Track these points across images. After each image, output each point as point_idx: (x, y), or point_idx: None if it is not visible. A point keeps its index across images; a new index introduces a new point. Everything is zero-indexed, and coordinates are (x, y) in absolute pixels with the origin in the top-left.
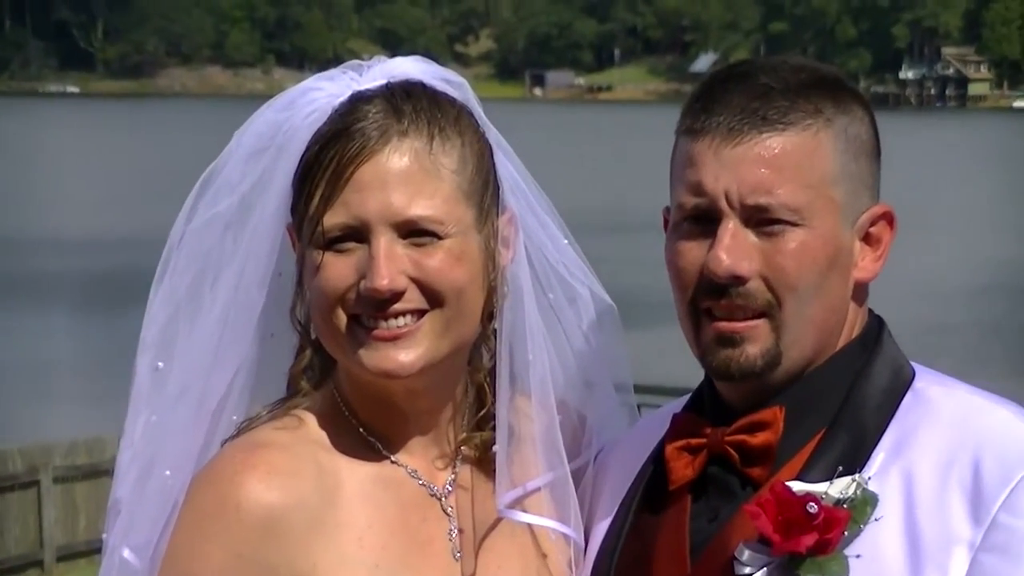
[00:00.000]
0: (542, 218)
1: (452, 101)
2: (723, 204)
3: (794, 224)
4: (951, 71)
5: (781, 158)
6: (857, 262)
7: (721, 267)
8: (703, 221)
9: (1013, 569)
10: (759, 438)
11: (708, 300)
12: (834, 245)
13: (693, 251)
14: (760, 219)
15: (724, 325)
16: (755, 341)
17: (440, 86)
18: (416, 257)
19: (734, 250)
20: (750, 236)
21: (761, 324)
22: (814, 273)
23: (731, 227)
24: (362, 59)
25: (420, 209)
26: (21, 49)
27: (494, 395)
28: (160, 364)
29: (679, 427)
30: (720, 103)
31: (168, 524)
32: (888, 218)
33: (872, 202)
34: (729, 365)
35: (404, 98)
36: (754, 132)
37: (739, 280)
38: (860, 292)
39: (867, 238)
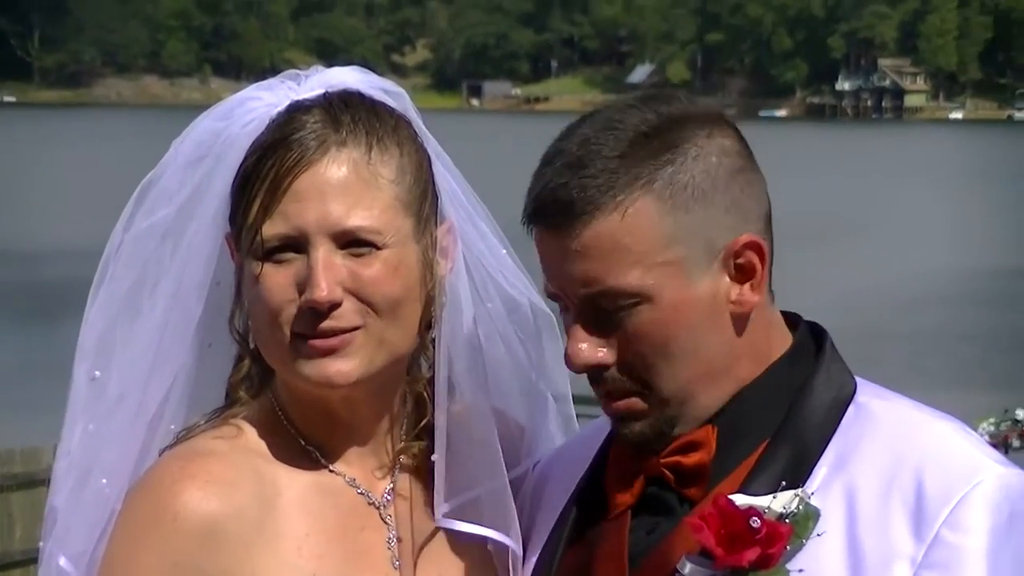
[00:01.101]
0: (481, 228)
1: (390, 111)
2: (565, 302)
3: (637, 304)
4: (887, 82)
5: (597, 248)
6: (731, 297)
7: (574, 367)
8: (567, 310)
9: None
10: (692, 458)
11: (592, 385)
12: (688, 305)
13: (566, 343)
14: (599, 308)
15: (610, 406)
16: (639, 419)
17: (378, 96)
18: (354, 268)
19: (586, 350)
20: (602, 326)
21: (636, 402)
22: (676, 343)
23: (577, 324)
24: (299, 69)
25: (358, 220)
26: None
27: (433, 405)
28: (97, 373)
29: (614, 459)
30: (536, 189)
31: (105, 533)
32: (754, 247)
33: (732, 234)
34: (628, 439)
35: (342, 108)
36: (565, 224)
37: (601, 368)
38: (741, 322)
39: (737, 269)
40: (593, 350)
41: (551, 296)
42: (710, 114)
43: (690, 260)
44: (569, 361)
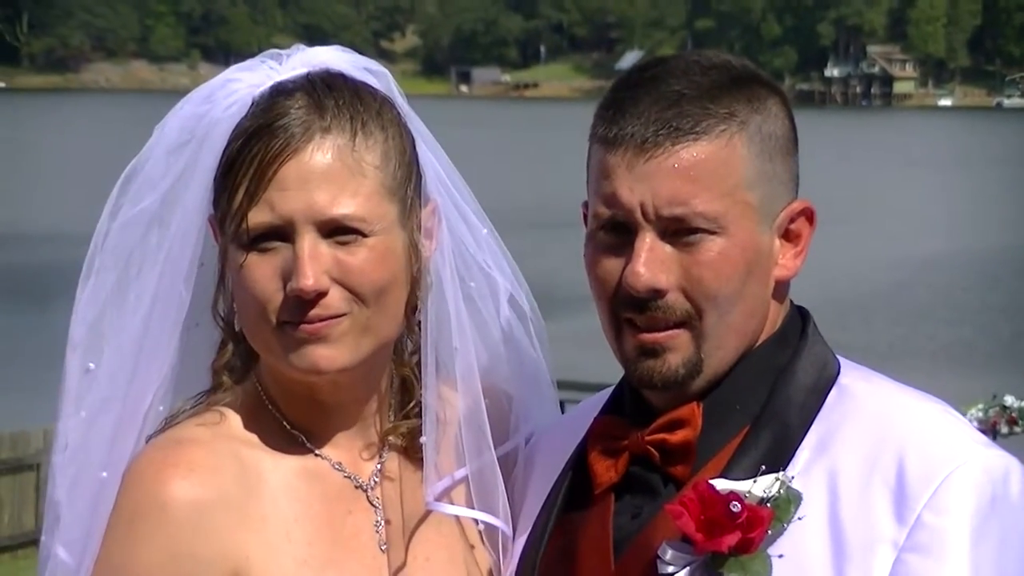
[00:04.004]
0: (463, 209)
1: (374, 93)
2: (639, 217)
3: (711, 232)
4: (876, 69)
5: (695, 168)
6: (778, 260)
7: (640, 282)
8: (620, 231)
9: (937, 568)
10: (678, 436)
11: (629, 311)
12: (753, 249)
13: (612, 262)
14: (677, 230)
15: (645, 336)
16: (676, 351)
17: (360, 76)
18: (340, 256)
19: (651, 264)
20: (667, 248)
21: (681, 334)
22: (734, 281)
23: (648, 240)
24: (283, 51)
25: (344, 208)
26: None
27: (421, 385)
28: (91, 365)
29: (600, 431)
30: (631, 113)
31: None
32: (808, 214)
33: (790, 198)
34: (652, 375)
35: (326, 92)
36: (667, 143)
37: (658, 294)
38: (781, 289)
39: (787, 235)
40: (658, 270)
41: (609, 220)
42: (775, 82)
43: (762, 208)
44: (634, 279)
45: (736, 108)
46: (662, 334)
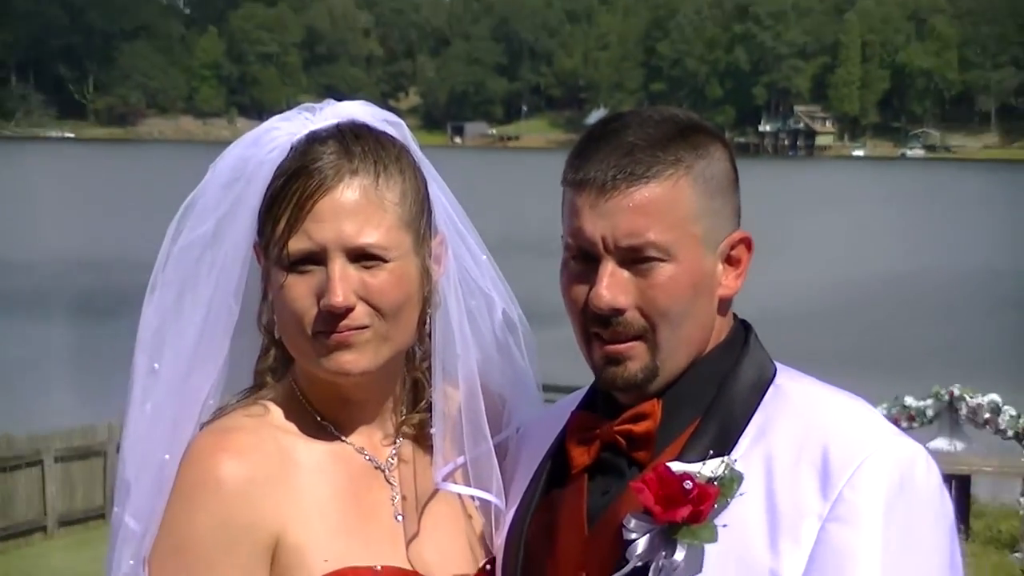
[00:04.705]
0: (466, 238)
1: (393, 141)
2: (601, 248)
3: (662, 260)
4: (801, 125)
5: (647, 206)
6: (721, 281)
7: (603, 302)
8: (587, 260)
9: (852, 534)
10: (641, 427)
11: (595, 327)
12: (699, 273)
13: (580, 286)
14: (633, 258)
15: (609, 348)
16: (635, 359)
17: (381, 126)
18: (364, 278)
19: (612, 287)
20: (625, 274)
21: (639, 345)
22: (683, 300)
23: (609, 268)
24: (315, 105)
25: (368, 238)
26: (25, 100)
27: (430, 385)
28: (156, 365)
29: (576, 423)
30: (594, 160)
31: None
32: (746, 242)
33: (732, 229)
34: (616, 380)
35: (353, 140)
36: (623, 186)
37: (618, 312)
38: (724, 305)
39: (728, 260)
40: (618, 292)
41: (577, 250)
42: (718, 130)
43: (707, 238)
44: (598, 300)
45: (682, 155)
46: (623, 346)
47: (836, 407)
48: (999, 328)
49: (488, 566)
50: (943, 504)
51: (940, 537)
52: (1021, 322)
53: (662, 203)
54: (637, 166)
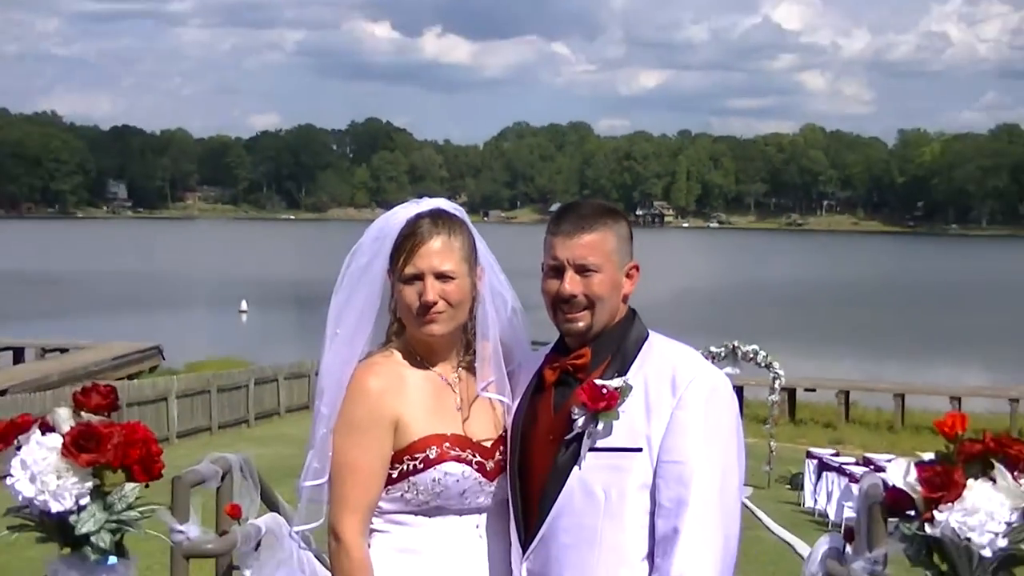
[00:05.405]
0: (493, 267)
1: (457, 217)
2: (565, 265)
3: (597, 272)
4: (657, 211)
5: (590, 245)
6: (623, 286)
7: (566, 292)
8: (557, 271)
9: (687, 415)
10: (580, 361)
11: (561, 304)
12: (613, 280)
13: (554, 284)
14: (581, 270)
15: (568, 315)
16: (581, 321)
17: (452, 210)
18: (442, 286)
19: (571, 284)
20: (577, 278)
21: (583, 314)
22: (605, 293)
23: (569, 275)
24: (418, 199)
25: (445, 267)
26: (270, 199)
27: (474, 342)
28: (338, 331)
29: (549, 359)
30: (564, 221)
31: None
32: (636, 267)
33: (629, 259)
34: (571, 331)
35: (438, 216)
36: (577, 234)
37: (573, 296)
38: (624, 299)
39: (627, 275)
40: (574, 288)
41: (552, 266)
42: (622, 211)
43: (619, 263)
44: (563, 291)
45: (607, 220)
46: (575, 314)
47: (678, 351)
48: (763, 314)
49: (503, 434)
50: (732, 401)
51: (731, 418)
52: (774, 313)
53: (596, 244)
54: (585, 224)
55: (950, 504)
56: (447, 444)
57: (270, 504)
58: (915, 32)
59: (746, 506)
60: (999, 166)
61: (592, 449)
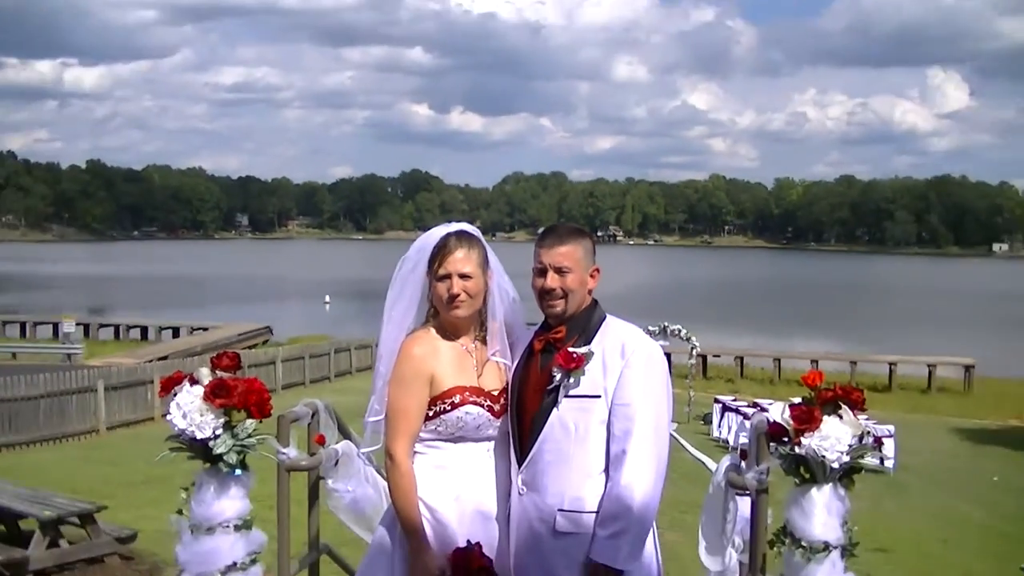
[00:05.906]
0: (499, 269)
1: (475, 236)
2: (547, 267)
3: (570, 272)
4: (611, 232)
5: (565, 254)
6: (589, 283)
7: (548, 286)
8: (542, 272)
9: (632, 373)
10: (558, 336)
11: (544, 295)
12: (582, 279)
13: (540, 280)
14: (559, 271)
15: (549, 302)
16: (559, 307)
17: (472, 231)
18: (464, 283)
19: (552, 281)
20: (557, 276)
21: (560, 302)
22: (576, 288)
23: (550, 274)
24: (448, 223)
25: (466, 270)
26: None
27: (487, 322)
28: (393, 314)
29: (537, 334)
30: (547, 236)
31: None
32: (599, 270)
33: (592, 264)
34: (551, 315)
35: (462, 234)
36: (556, 245)
37: (553, 290)
38: (589, 293)
39: (592, 275)
40: (554, 283)
41: (538, 268)
42: (590, 232)
43: (585, 267)
44: (546, 286)
45: (577, 237)
46: (554, 302)
47: (627, 329)
48: (685, 303)
49: (506, 386)
50: (663, 363)
51: (663, 375)
52: (693, 303)
53: (569, 253)
54: (561, 239)
55: (812, 433)
56: (467, 393)
57: (345, 434)
58: (785, 112)
59: (673, 436)
60: (842, 203)
61: (567, 396)
